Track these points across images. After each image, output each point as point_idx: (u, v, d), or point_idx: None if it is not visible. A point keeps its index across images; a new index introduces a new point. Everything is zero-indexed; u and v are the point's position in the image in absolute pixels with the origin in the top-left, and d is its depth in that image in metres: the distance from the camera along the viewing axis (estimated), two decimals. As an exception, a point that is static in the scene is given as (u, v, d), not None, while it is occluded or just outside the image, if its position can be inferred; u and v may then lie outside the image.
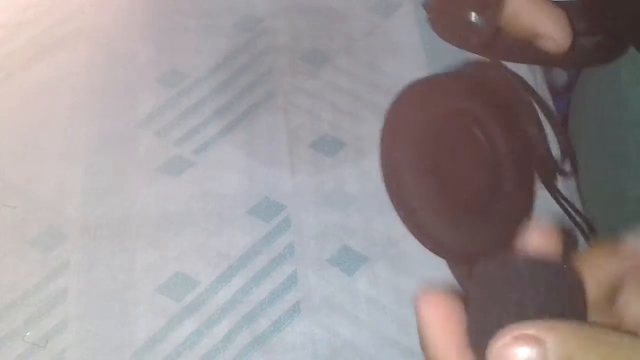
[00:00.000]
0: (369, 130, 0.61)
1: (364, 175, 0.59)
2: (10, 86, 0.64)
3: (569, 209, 0.47)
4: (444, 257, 0.42)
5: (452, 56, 0.45)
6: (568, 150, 0.49)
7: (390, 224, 0.56)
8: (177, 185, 0.59)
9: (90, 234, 0.56)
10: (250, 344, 0.51)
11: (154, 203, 0.58)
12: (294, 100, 0.63)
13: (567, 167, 0.50)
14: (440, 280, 0.35)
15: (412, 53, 0.65)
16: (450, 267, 0.43)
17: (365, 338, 0.52)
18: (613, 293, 0.31)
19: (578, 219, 0.48)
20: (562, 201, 0.47)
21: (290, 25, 0.68)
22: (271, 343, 0.51)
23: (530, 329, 0.26)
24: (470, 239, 0.43)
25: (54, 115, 0.63)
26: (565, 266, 0.29)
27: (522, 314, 0.27)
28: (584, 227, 0.48)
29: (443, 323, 0.30)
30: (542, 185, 0.45)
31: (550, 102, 0.61)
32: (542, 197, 0.43)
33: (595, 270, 0.32)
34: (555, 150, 0.49)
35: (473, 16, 0.38)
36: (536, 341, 0.25)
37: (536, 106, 0.47)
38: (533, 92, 0.46)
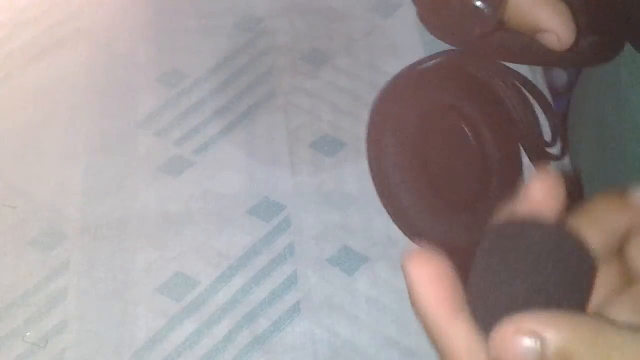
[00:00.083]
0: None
1: (364, 175, 0.59)
2: (10, 86, 0.64)
3: None
4: None
5: (452, 56, 0.45)
6: (557, 132, 0.49)
7: (390, 224, 0.56)
8: (177, 185, 0.59)
9: (90, 234, 0.56)
10: (250, 344, 0.51)
11: (154, 203, 0.58)
12: (294, 100, 0.63)
13: (558, 150, 0.50)
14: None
15: (412, 53, 0.65)
16: None
17: (365, 338, 0.52)
18: (620, 245, 0.31)
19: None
20: None
21: (290, 25, 0.68)
22: (271, 343, 0.51)
23: (532, 321, 0.26)
24: (462, 235, 0.43)
25: (54, 115, 0.63)
26: (573, 236, 0.28)
27: (527, 297, 0.27)
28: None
29: (433, 284, 0.29)
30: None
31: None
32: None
33: (602, 222, 0.30)
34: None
35: (479, 2, 0.38)
36: (536, 335, 0.25)
37: (525, 92, 0.47)
38: (518, 76, 0.46)
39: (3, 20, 0.68)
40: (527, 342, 0.26)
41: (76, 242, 0.56)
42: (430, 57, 0.48)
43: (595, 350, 0.25)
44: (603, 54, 0.46)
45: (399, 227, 0.50)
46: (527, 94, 0.47)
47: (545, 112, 0.48)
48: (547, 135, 0.49)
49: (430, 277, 0.29)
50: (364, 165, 0.59)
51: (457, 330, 0.28)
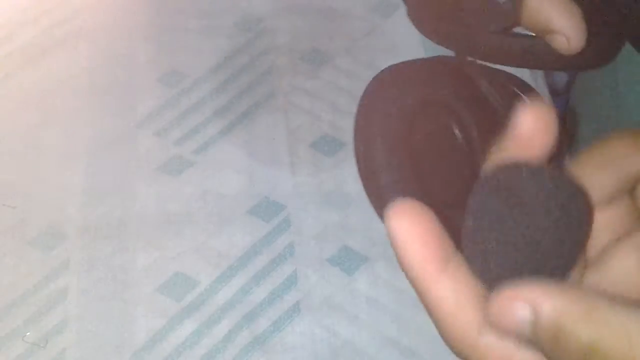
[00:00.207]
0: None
1: (364, 175, 0.59)
2: (10, 86, 0.64)
3: None
4: None
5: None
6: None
7: (390, 224, 0.56)
8: (177, 185, 0.59)
9: (90, 234, 0.56)
10: (250, 344, 0.51)
11: (154, 203, 0.58)
12: (294, 100, 0.63)
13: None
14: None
15: (412, 53, 0.65)
16: None
17: (365, 338, 0.52)
18: (632, 186, 0.30)
19: None
20: None
21: (290, 25, 0.68)
22: (271, 343, 0.51)
23: (527, 292, 0.26)
24: (451, 235, 0.43)
25: (54, 115, 0.63)
26: (568, 182, 0.27)
27: (523, 249, 0.27)
28: None
29: (418, 238, 0.28)
30: None
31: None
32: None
33: (615, 162, 0.29)
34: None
35: None
36: (531, 305, 0.26)
37: (518, 92, 0.46)
38: (510, 78, 0.46)
39: (3, 20, 0.68)
40: (522, 311, 0.26)
41: (76, 242, 0.56)
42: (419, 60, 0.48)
43: (587, 325, 0.25)
44: (603, 56, 0.46)
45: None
46: (521, 94, 0.47)
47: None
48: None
49: (414, 231, 0.28)
50: (364, 165, 0.59)
51: (443, 286, 0.28)
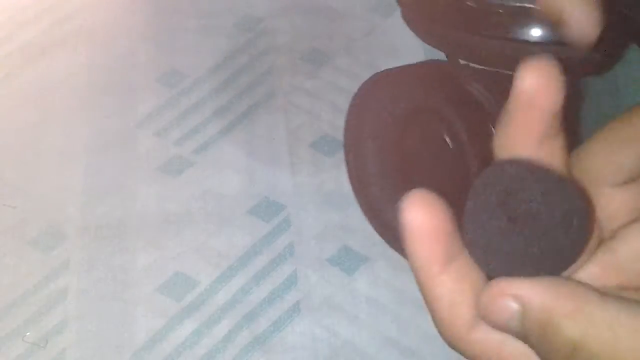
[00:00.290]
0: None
1: (364, 175, 0.59)
2: (10, 86, 0.64)
3: None
4: None
5: (452, 56, 0.45)
6: None
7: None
8: (177, 185, 0.59)
9: (90, 234, 0.56)
10: (250, 344, 0.51)
11: (154, 203, 0.58)
12: (294, 100, 0.63)
13: None
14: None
15: (412, 53, 0.65)
16: None
17: (365, 338, 0.52)
18: None
19: None
20: None
21: (290, 25, 0.68)
22: (271, 343, 0.51)
23: (517, 287, 0.26)
24: None
25: (53, 115, 0.63)
26: (568, 185, 0.27)
27: (523, 247, 0.26)
28: None
29: (427, 231, 0.27)
30: None
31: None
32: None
33: (636, 140, 0.28)
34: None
35: None
36: (520, 300, 0.26)
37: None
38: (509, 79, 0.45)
39: (3, 20, 0.68)
40: (511, 305, 0.26)
41: (76, 242, 0.56)
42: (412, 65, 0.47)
43: (574, 321, 0.25)
44: (608, 62, 0.46)
45: (382, 237, 0.50)
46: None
47: None
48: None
49: (426, 226, 0.27)
50: (364, 165, 0.59)
51: (444, 283, 0.28)
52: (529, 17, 0.42)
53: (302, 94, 0.64)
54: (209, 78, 0.65)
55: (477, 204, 0.27)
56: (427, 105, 0.47)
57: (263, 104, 0.63)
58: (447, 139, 0.47)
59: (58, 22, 0.68)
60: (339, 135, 0.61)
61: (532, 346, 0.27)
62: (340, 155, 0.60)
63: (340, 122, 0.62)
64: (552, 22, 0.35)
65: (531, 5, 0.42)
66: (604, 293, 0.26)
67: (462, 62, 0.48)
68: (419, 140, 0.47)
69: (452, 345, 0.29)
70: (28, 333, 0.52)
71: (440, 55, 0.54)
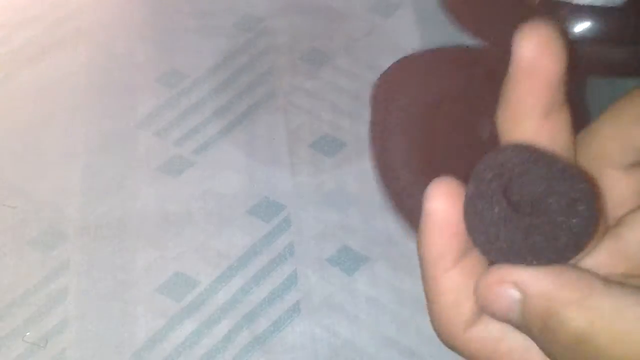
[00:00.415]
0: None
1: (364, 175, 0.59)
2: (10, 86, 0.64)
3: None
4: None
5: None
6: None
7: (390, 224, 0.56)
8: (177, 185, 0.59)
9: (90, 234, 0.56)
10: (250, 344, 0.51)
11: (154, 203, 0.58)
12: (294, 100, 0.63)
13: None
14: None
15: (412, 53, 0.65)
16: None
17: (365, 338, 0.52)
18: None
19: None
20: None
21: (290, 25, 0.68)
22: (271, 343, 0.51)
23: (517, 274, 0.25)
24: None
25: (53, 115, 0.63)
26: (575, 173, 0.25)
27: (524, 235, 0.25)
28: None
29: (447, 223, 0.26)
30: None
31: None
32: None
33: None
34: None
35: None
36: (520, 287, 0.24)
37: None
38: None
39: (3, 20, 0.68)
40: (511, 294, 0.25)
41: (76, 242, 0.56)
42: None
43: (578, 311, 0.24)
44: (637, 65, 0.45)
45: (407, 228, 0.49)
46: None
47: None
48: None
49: (446, 218, 0.26)
50: (364, 165, 0.59)
51: (451, 279, 0.26)
52: (584, 13, 0.41)
53: (302, 94, 0.64)
54: (209, 78, 0.65)
55: (478, 190, 0.26)
56: (457, 91, 0.45)
57: (263, 104, 0.63)
58: (479, 127, 0.46)
59: (58, 22, 0.68)
60: (339, 135, 0.61)
61: (533, 338, 0.25)
62: (340, 155, 0.60)
63: (341, 122, 0.62)
64: None
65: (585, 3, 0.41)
66: (610, 281, 0.24)
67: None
68: (449, 129, 0.46)
69: (448, 344, 0.28)
70: (28, 333, 0.52)
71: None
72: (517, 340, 0.26)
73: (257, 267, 0.55)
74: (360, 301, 0.53)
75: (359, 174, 0.59)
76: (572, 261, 0.26)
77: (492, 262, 0.27)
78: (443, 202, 0.26)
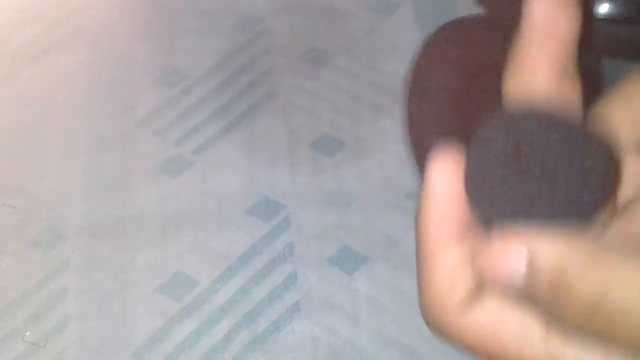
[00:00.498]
0: (369, 131, 0.61)
1: (364, 175, 0.59)
2: (10, 86, 0.64)
3: None
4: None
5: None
6: None
7: (390, 224, 0.56)
8: (177, 185, 0.59)
9: (90, 234, 0.56)
10: (250, 344, 0.51)
11: (154, 203, 0.58)
12: (294, 100, 0.63)
13: None
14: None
15: (412, 53, 0.65)
16: None
17: (365, 338, 0.52)
18: None
19: None
20: None
21: (290, 25, 0.68)
22: (271, 343, 0.51)
23: (527, 236, 0.22)
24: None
25: (54, 115, 0.63)
26: (590, 134, 0.23)
27: (533, 205, 0.23)
28: None
29: (449, 195, 0.24)
30: None
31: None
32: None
33: None
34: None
35: None
36: (530, 251, 0.22)
37: None
38: None
39: (3, 20, 0.68)
40: (517, 259, 0.22)
41: (76, 242, 0.56)
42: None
43: (594, 274, 0.21)
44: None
45: None
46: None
47: None
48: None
49: (449, 189, 0.24)
50: (364, 165, 0.59)
51: (449, 258, 0.24)
52: None
53: (302, 94, 0.64)
54: (209, 78, 0.65)
55: (483, 152, 0.23)
56: (495, 63, 0.45)
57: (263, 104, 0.63)
58: None
59: (58, 22, 0.68)
60: (339, 135, 0.61)
61: (540, 309, 0.23)
62: (340, 155, 0.60)
63: (341, 122, 0.62)
64: None
65: None
66: (623, 245, 0.23)
67: None
68: (485, 97, 0.45)
69: (439, 329, 0.25)
70: (28, 333, 0.52)
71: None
72: (517, 324, 0.24)
73: (257, 267, 0.55)
74: (360, 301, 0.53)
75: (359, 174, 0.59)
76: None
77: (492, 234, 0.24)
78: (445, 173, 0.24)
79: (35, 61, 0.66)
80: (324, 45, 0.67)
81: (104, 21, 0.69)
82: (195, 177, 0.59)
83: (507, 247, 0.22)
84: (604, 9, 0.41)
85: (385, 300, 0.53)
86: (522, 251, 0.22)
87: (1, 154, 0.61)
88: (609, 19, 0.41)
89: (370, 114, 0.62)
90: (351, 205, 0.57)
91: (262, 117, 0.62)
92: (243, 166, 0.59)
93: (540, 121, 0.23)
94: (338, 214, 0.57)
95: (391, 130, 0.61)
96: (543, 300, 0.22)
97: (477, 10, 0.44)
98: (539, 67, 0.25)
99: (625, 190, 0.26)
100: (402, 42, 0.66)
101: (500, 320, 0.24)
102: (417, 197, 0.26)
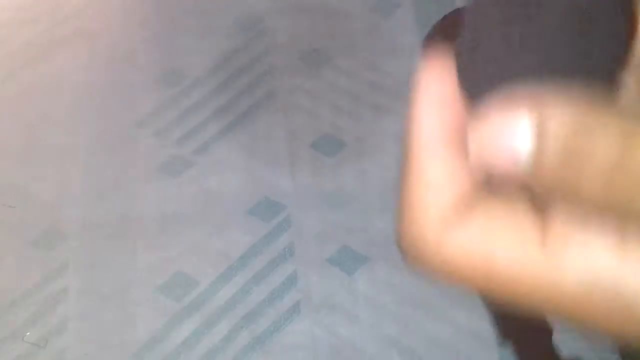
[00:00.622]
0: (369, 130, 0.61)
1: (364, 175, 0.59)
2: (10, 86, 0.64)
3: None
4: None
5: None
6: None
7: (390, 224, 0.56)
8: (177, 185, 0.59)
9: (90, 234, 0.56)
10: (250, 344, 0.51)
11: (154, 203, 0.58)
12: (294, 100, 0.63)
13: None
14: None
15: (412, 53, 0.65)
16: None
17: (365, 338, 0.52)
18: None
19: None
20: None
21: (290, 25, 0.68)
22: (271, 343, 0.51)
23: (533, 95, 0.18)
24: None
25: (53, 115, 0.63)
26: None
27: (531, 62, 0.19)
28: None
29: (440, 103, 0.21)
30: None
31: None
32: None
33: None
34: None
35: None
36: (539, 117, 0.18)
37: None
38: None
39: (3, 20, 0.68)
40: (522, 128, 0.18)
41: (76, 242, 0.56)
42: None
43: (616, 128, 0.18)
44: None
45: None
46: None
47: None
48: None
49: (436, 94, 0.21)
50: (364, 165, 0.59)
51: (438, 164, 0.21)
52: None
53: (302, 94, 0.64)
54: (209, 78, 0.65)
55: (476, 10, 0.20)
56: None
57: (263, 104, 0.63)
58: None
59: (58, 22, 0.68)
60: (339, 135, 0.61)
61: (548, 186, 0.19)
62: (341, 155, 0.60)
63: (341, 122, 0.62)
64: None
65: None
66: None
67: None
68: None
69: (418, 252, 0.22)
70: (28, 333, 0.52)
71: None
72: (509, 235, 0.20)
73: (257, 267, 0.55)
74: (360, 301, 0.53)
75: (359, 174, 0.59)
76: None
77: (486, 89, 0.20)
78: (437, 74, 0.22)
79: (35, 61, 0.66)
80: (324, 45, 0.67)
81: (104, 21, 0.69)
82: (195, 177, 0.59)
83: (509, 115, 0.18)
84: None
85: (385, 300, 0.53)
86: (528, 117, 0.18)
87: (1, 153, 0.61)
88: None
89: (370, 114, 0.62)
90: (351, 205, 0.57)
91: (262, 117, 0.62)
92: (243, 166, 0.59)
93: None
94: (338, 214, 0.57)
95: (391, 130, 0.61)
96: (552, 177, 0.18)
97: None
98: None
99: None
100: (402, 42, 0.66)
101: (491, 233, 0.20)
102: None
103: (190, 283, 0.54)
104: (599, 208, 0.18)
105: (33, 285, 0.54)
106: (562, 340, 0.49)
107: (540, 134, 0.18)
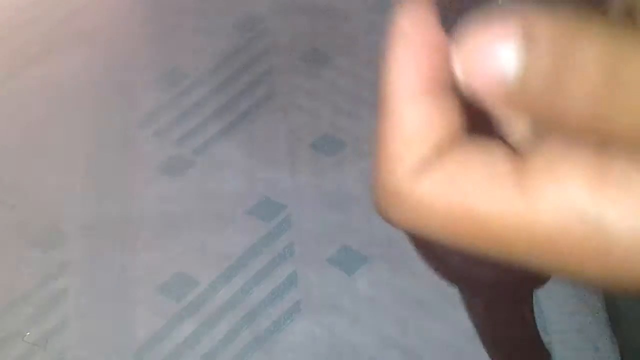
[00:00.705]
0: (369, 131, 0.61)
1: (364, 175, 0.59)
2: (10, 86, 0.64)
3: None
4: None
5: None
6: None
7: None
8: (177, 185, 0.59)
9: (90, 234, 0.56)
10: (250, 344, 0.51)
11: (154, 203, 0.58)
12: (294, 100, 0.63)
13: None
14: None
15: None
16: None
17: (365, 338, 0.52)
18: None
19: None
20: None
21: (290, 25, 0.68)
22: (271, 343, 0.51)
23: (520, 16, 0.17)
24: None
25: (54, 115, 0.63)
26: None
27: None
28: None
29: (419, 52, 0.21)
30: None
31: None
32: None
33: None
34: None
35: None
36: (523, 37, 0.17)
37: None
38: None
39: (3, 20, 0.68)
40: (510, 49, 0.17)
41: (76, 242, 0.56)
42: None
43: (608, 39, 0.16)
44: None
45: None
46: None
47: None
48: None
49: (415, 40, 0.21)
50: (364, 165, 0.59)
51: (414, 111, 0.21)
52: None
53: (302, 94, 0.64)
54: (209, 78, 0.65)
55: None
56: None
57: (263, 104, 0.63)
58: None
59: (58, 22, 0.68)
60: (339, 135, 0.61)
61: (535, 108, 0.17)
62: (341, 155, 0.60)
63: (341, 122, 0.62)
64: None
65: None
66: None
67: None
68: None
69: (391, 202, 0.21)
70: (28, 333, 0.52)
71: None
72: (483, 174, 0.19)
73: (257, 267, 0.55)
74: (360, 301, 0.53)
75: (359, 174, 0.59)
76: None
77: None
78: (415, 20, 0.21)
79: (35, 61, 0.66)
80: (324, 45, 0.67)
81: (104, 21, 0.69)
82: (195, 177, 0.59)
83: (494, 29, 0.17)
84: None
85: (385, 300, 0.53)
86: (514, 26, 0.17)
87: (1, 153, 0.61)
88: None
89: (370, 114, 0.62)
90: (351, 205, 0.57)
91: (262, 117, 0.62)
92: (243, 166, 0.60)
93: None
94: (338, 214, 0.57)
95: (391, 130, 0.61)
96: (540, 95, 0.17)
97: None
98: None
99: None
100: (402, 42, 0.66)
101: (465, 176, 0.19)
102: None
103: (190, 283, 0.54)
104: (584, 130, 0.17)
105: (33, 285, 0.54)
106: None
107: (528, 39, 0.17)
